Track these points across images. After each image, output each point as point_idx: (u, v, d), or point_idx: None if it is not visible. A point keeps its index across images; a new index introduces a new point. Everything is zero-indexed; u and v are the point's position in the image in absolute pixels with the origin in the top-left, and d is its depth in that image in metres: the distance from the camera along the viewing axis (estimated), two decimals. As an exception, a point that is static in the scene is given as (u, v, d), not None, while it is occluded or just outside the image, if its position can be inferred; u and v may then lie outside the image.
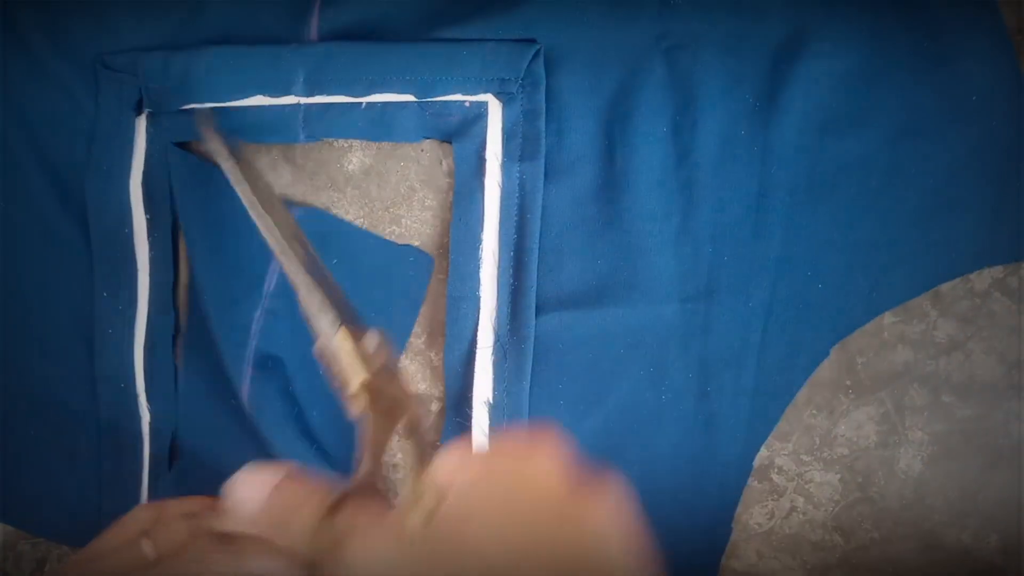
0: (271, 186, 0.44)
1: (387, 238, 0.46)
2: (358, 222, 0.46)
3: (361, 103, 0.44)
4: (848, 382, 0.45)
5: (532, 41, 0.43)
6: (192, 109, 0.44)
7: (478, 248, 0.44)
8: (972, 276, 0.45)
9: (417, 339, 0.46)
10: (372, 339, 0.32)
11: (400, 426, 0.31)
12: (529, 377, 0.44)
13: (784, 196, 0.44)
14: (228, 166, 0.38)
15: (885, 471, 0.45)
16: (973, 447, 0.45)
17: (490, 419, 0.44)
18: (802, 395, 0.44)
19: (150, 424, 0.46)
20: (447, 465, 0.26)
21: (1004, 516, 0.45)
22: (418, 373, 0.46)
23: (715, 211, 0.44)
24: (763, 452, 0.45)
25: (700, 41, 0.43)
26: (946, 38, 0.43)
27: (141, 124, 0.45)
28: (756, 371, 0.44)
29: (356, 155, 0.46)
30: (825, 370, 0.44)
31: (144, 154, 0.45)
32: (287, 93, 0.43)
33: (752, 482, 0.45)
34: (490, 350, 0.44)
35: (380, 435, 0.30)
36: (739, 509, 0.45)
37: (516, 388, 0.44)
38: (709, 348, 0.44)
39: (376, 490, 0.29)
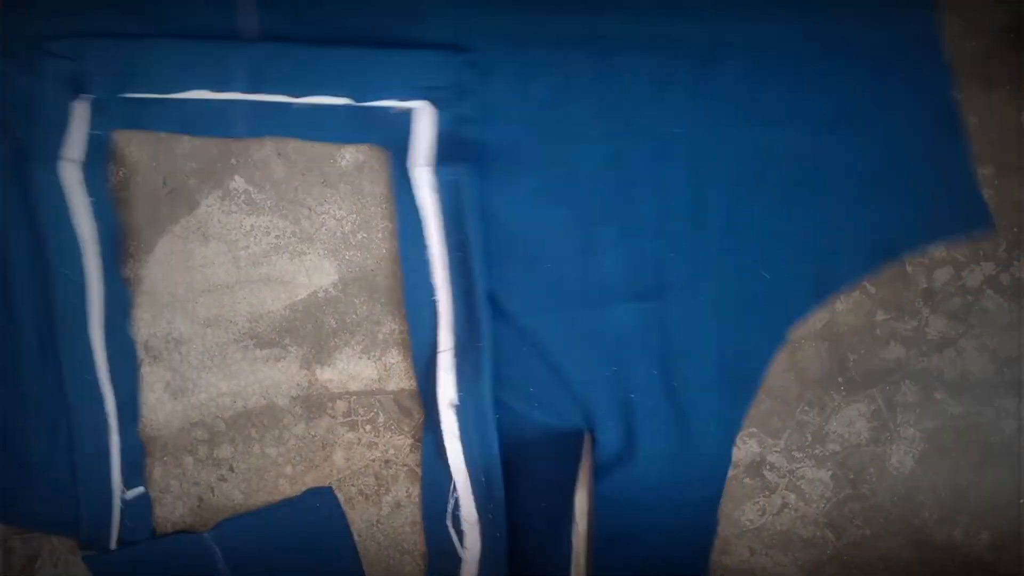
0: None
1: (380, 232, 0.46)
2: (351, 218, 0.46)
3: (299, 103, 0.44)
4: (840, 379, 0.45)
5: (464, 49, 0.44)
6: (136, 100, 0.44)
7: (426, 253, 0.45)
8: (964, 273, 0.45)
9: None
10: None
11: None
12: (489, 377, 0.44)
13: (721, 190, 0.44)
14: None
15: (877, 468, 0.45)
16: (964, 444, 0.45)
17: (458, 421, 0.44)
18: (793, 392, 0.44)
19: (116, 406, 0.46)
20: None
21: (995, 513, 0.45)
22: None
23: (655, 209, 0.45)
24: (754, 448, 0.45)
25: (628, 44, 0.44)
26: (868, 28, 0.44)
27: (80, 109, 0.44)
28: (717, 361, 0.45)
29: (349, 151, 0.46)
30: (816, 366, 0.44)
31: (85, 138, 0.45)
32: (228, 89, 0.44)
33: (744, 479, 0.45)
34: (450, 352, 0.44)
35: None
36: (731, 506, 0.45)
37: (477, 388, 0.44)
38: (668, 343, 0.45)
39: None
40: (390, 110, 0.45)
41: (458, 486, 0.45)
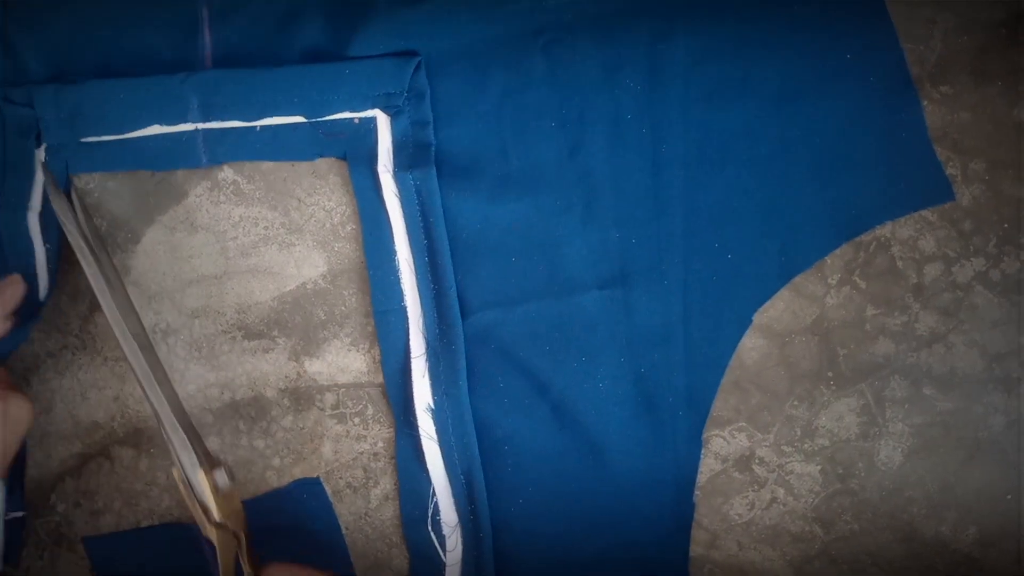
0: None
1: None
2: (340, 210, 0.46)
3: (256, 126, 0.45)
4: (829, 373, 0.45)
5: (413, 53, 0.44)
6: (93, 142, 0.44)
7: (393, 259, 0.45)
8: (954, 269, 0.45)
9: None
10: (221, 474, 0.40)
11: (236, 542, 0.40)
12: (465, 378, 0.44)
13: (679, 172, 0.45)
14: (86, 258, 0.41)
15: (865, 463, 0.45)
16: (953, 440, 0.45)
17: (435, 424, 0.44)
18: (783, 386, 0.44)
19: None
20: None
21: (982, 509, 0.45)
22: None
23: (615, 196, 0.45)
24: (744, 443, 0.45)
25: (575, 33, 0.45)
26: (817, 2, 0.44)
27: (41, 156, 0.45)
28: (684, 346, 0.45)
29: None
30: (806, 361, 0.44)
31: (42, 186, 0.45)
32: (183, 121, 0.44)
33: (733, 473, 0.45)
34: (423, 357, 0.45)
35: (229, 556, 0.40)
36: (719, 500, 0.45)
37: (454, 390, 0.44)
38: (635, 330, 0.45)
39: None
40: (348, 121, 0.45)
41: (437, 490, 0.45)
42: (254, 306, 0.47)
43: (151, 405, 0.41)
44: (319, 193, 0.46)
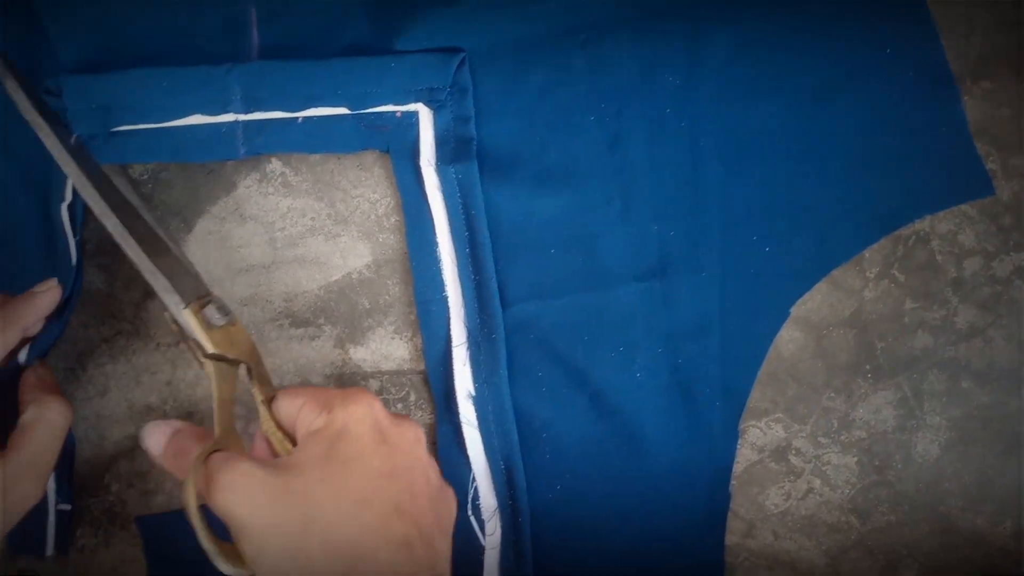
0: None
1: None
2: (385, 201, 0.47)
3: (298, 117, 0.45)
4: (867, 366, 0.45)
5: (457, 50, 0.45)
6: (126, 131, 0.44)
7: (435, 250, 0.46)
8: (994, 263, 0.45)
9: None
10: (212, 310, 0.38)
11: (244, 372, 0.39)
12: (505, 366, 0.45)
13: (717, 165, 0.45)
14: (51, 142, 0.40)
15: (902, 455, 0.45)
16: (990, 433, 0.45)
17: (476, 410, 0.45)
18: (820, 378, 0.45)
19: None
20: (285, 406, 0.37)
21: (1019, 502, 0.45)
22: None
23: (653, 190, 0.45)
24: (780, 434, 0.45)
25: (613, 30, 0.45)
26: None
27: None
28: (721, 338, 0.45)
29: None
30: (844, 353, 0.45)
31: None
32: (225, 111, 0.44)
33: (769, 463, 0.45)
34: (465, 346, 0.45)
35: (227, 388, 0.38)
36: (756, 490, 0.45)
37: (495, 378, 0.45)
38: (672, 323, 0.45)
39: (233, 434, 0.37)
40: (390, 115, 0.46)
41: (477, 476, 0.46)
42: (301, 295, 0.48)
43: (131, 259, 0.39)
44: (364, 185, 0.48)
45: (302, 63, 0.44)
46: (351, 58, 0.45)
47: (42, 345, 0.44)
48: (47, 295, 0.41)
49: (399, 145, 0.46)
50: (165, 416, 0.50)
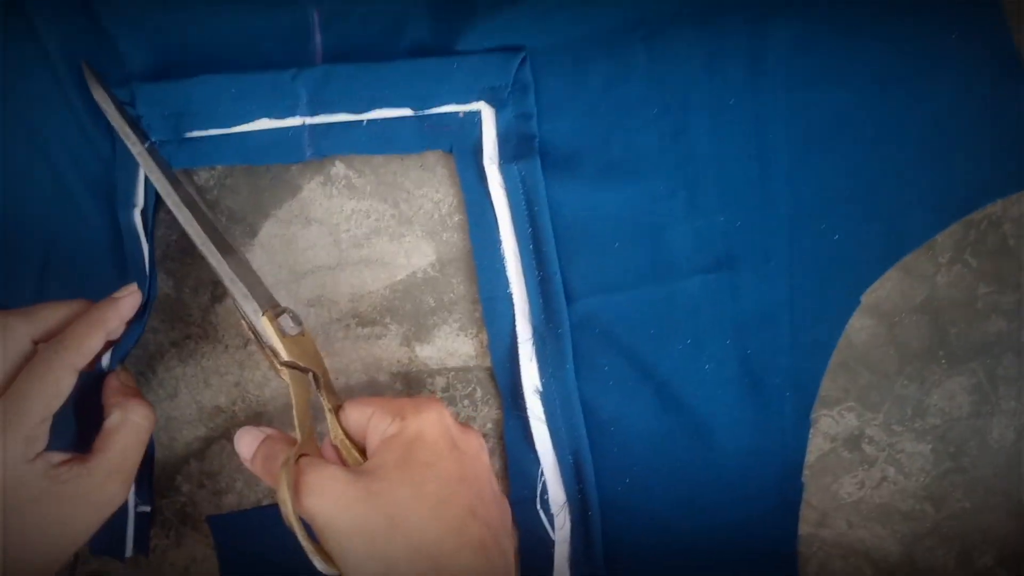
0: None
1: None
2: (448, 201, 0.47)
3: (363, 120, 0.45)
4: (941, 352, 0.44)
5: (518, 48, 0.45)
6: (197, 137, 0.45)
7: (499, 248, 0.46)
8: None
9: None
10: (286, 318, 0.40)
11: (314, 381, 0.40)
12: (571, 361, 0.45)
13: (784, 156, 0.45)
14: (137, 151, 0.42)
15: (977, 441, 0.45)
16: (1067, 417, 0.45)
17: (543, 405, 0.46)
18: (893, 366, 0.44)
19: None
20: (355, 415, 0.39)
21: (1098, 486, 0.45)
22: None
23: (719, 181, 0.45)
24: (853, 422, 0.45)
25: (675, 23, 0.45)
26: None
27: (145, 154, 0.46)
28: (790, 329, 0.45)
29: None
30: (916, 340, 0.44)
31: (144, 183, 0.46)
32: (292, 115, 0.45)
33: (842, 452, 0.45)
34: (531, 341, 0.46)
35: (303, 395, 0.39)
36: (829, 479, 0.45)
37: (561, 373, 0.45)
38: (740, 313, 0.45)
39: (313, 439, 0.38)
40: (453, 115, 0.46)
41: (545, 470, 0.46)
42: (367, 295, 0.49)
43: (212, 266, 0.41)
44: (427, 185, 0.48)
45: (366, 66, 0.45)
46: (414, 60, 0.45)
47: (124, 349, 0.45)
48: (129, 299, 0.42)
49: (462, 144, 0.46)
50: (234, 417, 0.51)
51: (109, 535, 0.48)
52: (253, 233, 0.49)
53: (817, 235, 0.45)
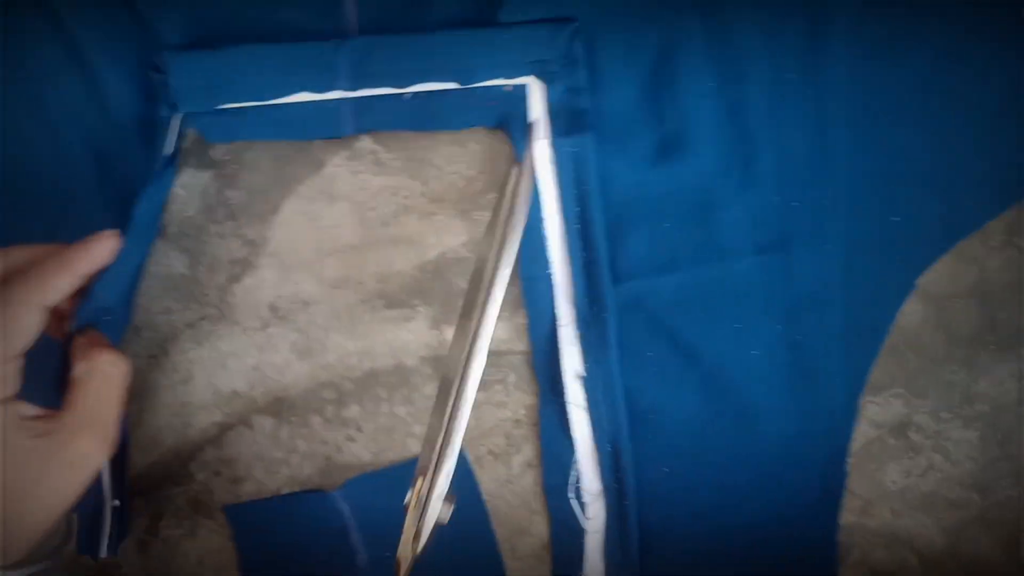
0: None
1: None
2: (481, 178, 0.46)
3: (407, 93, 0.43)
4: (990, 337, 0.44)
5: (569, 19, 0.43)
6: (232, 110, 0.44)
7: (541, 227, 0.44)
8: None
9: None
10: (447, 508, 0.38)
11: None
12: (615, 346, 0.44)
13: (844, 133, 0.43)
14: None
15: (1025, 428, 0.44)
16: (1113, 404, 0.44)
17: (585, 392, 0.44)
18: (941, 351, 0.43)
19: None
20: None
21: None
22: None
23: (776, 158, 0.44)
24: (900, 410, 0.44)
25: None
26: None
27: (175, 126, 0.45)
28: (844, 313, 0.44)
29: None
30: (966, 325, 0.43)
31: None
32: (332, 88, 0.43)
33: (888, 439, 0.44)
34: (572, 325, 0.44)
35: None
36: (873, 467, 0.44)
37: (604, 359, 0.44)
38: (792, 296, 0.44)
39: None
40: (500, 88, 0.44)
41: (581, 458, 0.45)
42: (394, 275, 0.47)
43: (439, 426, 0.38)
44: (459, 161, 0.46)
45: (410, 37, 0.43)
46: (460, 31, 0.43)
47: (119, 327, 0.43)
48: (103, 243, 0.39)
49: (508, 119, 0.44)
50: (253, 402, 0.49)
51: (87, 533, 0.46)
52: (274, 210, 0.47)
53: (875, 216, 0.43)
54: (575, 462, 0.45)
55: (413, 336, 0.47)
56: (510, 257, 0.38)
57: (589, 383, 0.44)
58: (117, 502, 0.46)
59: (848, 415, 0.44)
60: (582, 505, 0.45)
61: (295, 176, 0.47)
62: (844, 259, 0.43)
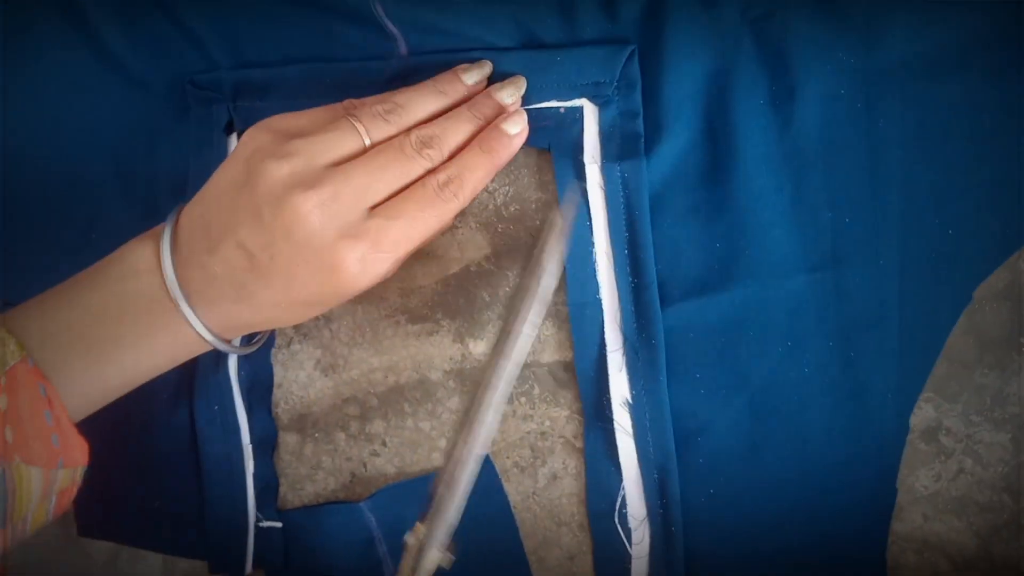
0: None
1: (533, 205, 0.45)
2: (504, 190, 0.45)
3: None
4: (1022, 339, 0.43)
5: (626, 42, 0.43)
6: None
7: (591, 252, 0.44)
8: None
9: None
10: (447, 556, 0.38)
11: None
12: (664, 372, 0.43)
13: (897, 150, 0.42)
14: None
15: (1056, 430, 0.43)
16: None
17: (632, 418, 0.44)
18: (972, 354, 0.43)
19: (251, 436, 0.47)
20: None
21: None
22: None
23: (828, 176, 0.43)
24: (930, 414, 0.44)
25: (786, 8, 0.42)
26: None
27: (232, 144, 0.46)
28: (899, 330, 0.43)
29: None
30: (996, 327, 0.43)
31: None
32: None
33: (919, 444, 0.44)
34: (620, 351, 0.44)
35: None
36: (905, 472, 0.44)
37: (653, 385, 0.43)
38: (846, 315, 0.43)
39: None
40: (554, 111, 0.43)
41: (627, 484, 0.44)
42: (417, 290, 0.47)
43: (457, 452, 0.39)
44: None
45: (460, 57, 0.42)
46: (514, 51, 0.43)
47: None
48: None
49: (561, 142, 0.44)
50: (277, 419, 0.48)
51: (227, 551, 0.47)
52: (294, 226, 0.46)
53: (930, 231, 0.42)
54: (621, 488, 0.45)
55: (437, 350, 0.47)
56: (538, 313, 0.39)
57: (636, 409, 0.43)
58: (279, 524, 0.48)
59: (899, 434, 0.43)
60: (627, 531, 0.45)
61: (315, 192, 0.46)
62: (898, 275, 0.42)
